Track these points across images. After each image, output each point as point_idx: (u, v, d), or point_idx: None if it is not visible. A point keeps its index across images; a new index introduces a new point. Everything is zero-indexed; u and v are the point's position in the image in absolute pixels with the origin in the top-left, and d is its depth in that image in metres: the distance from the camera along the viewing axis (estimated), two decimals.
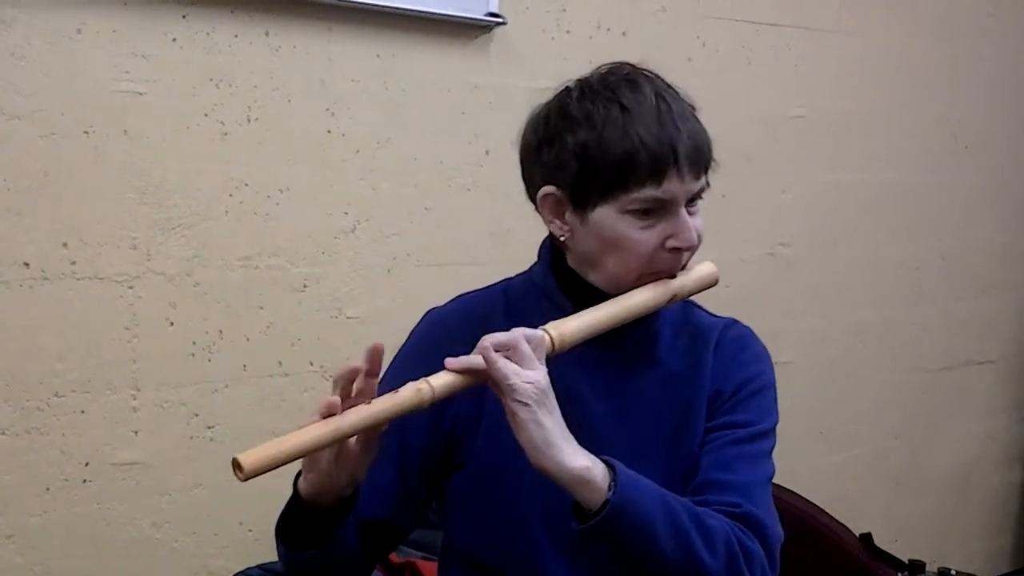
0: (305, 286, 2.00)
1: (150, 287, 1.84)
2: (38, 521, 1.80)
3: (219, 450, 1.94)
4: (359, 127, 2.02)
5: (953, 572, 2.43)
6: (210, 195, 1.88)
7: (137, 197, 1.81)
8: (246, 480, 1.00)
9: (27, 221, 1.73)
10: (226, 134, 1.89)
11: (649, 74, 1.23)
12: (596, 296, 1.24)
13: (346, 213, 2.03)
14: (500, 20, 2.11)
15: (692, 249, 1.23)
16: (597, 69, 1.25)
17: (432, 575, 1.84)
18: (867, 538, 2.43)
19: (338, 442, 1.07)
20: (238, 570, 1.95)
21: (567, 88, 1.24)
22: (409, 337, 1.34)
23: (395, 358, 1.31)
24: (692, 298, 1.32)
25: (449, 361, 1.11)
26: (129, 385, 1.85)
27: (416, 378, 1.09)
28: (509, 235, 2.21)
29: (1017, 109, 3.19)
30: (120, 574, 1.88)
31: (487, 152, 2.17)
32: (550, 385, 1.11)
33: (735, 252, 2.53)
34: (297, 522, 1.18)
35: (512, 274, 1.38)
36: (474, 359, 1.10)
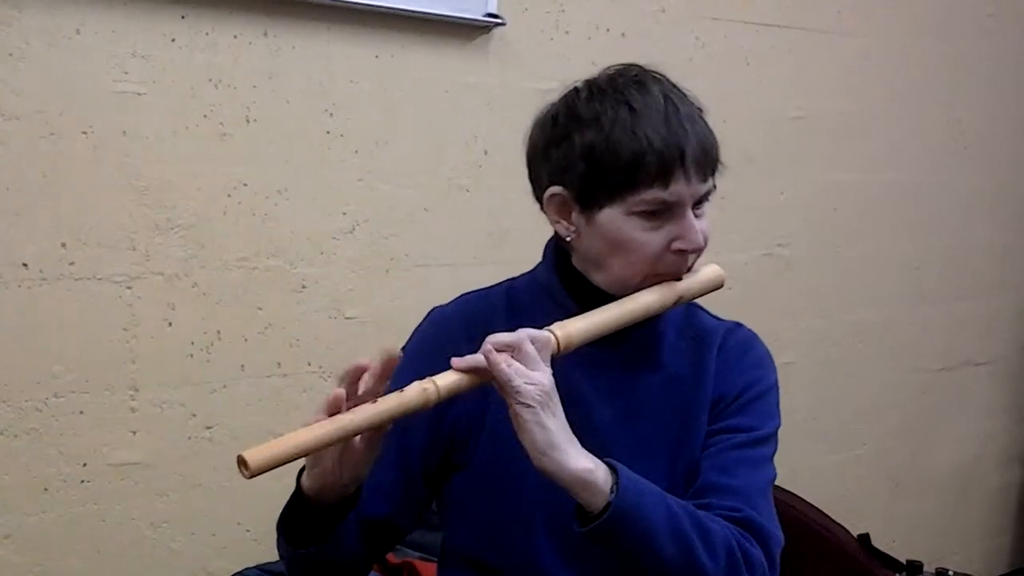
0: (304, 286, 2.00)
1: (149, 287, 1.84)
2: (36, 521, 1.80)
3: (217, 450, 1.94)
4: (358, 127, 2.02)
5: (951, 573, 2.43)
6: (209, 196, 1.88)
7: (136, 197, 1.81)
8: (252, 477, 1.01)
9: (26, 221, 1.73)
10: (225, 135, 1.88)
11: (657, 75, 1.23)
12: (600, 297, 1.24)
13: (345, 213, 2.03)
14: (499, 21, 2.11)
15: (698, 252, 1.24)
16: (605, 70, 1.25)
17: (430, 575, 1.85)
18: (865, 538, 2.43)
19: (343, 440, 1.07)
20: (236, 570, 1.95)
21: (575, 88, 1.24)
22: (412, 336, 1.34)
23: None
24: (695, 300, 1.32)
25: (455, 361, 1.11)
26: (127, 385, 1.85)
27: (419, 377, 1.09)
28: (508, 235, 2.21)
29: (1017, 109, 3.19)
30: (118, 574, 1.88)
31: (486, 152, 2.17)
32: (555, 387, 1.11)
33: (734, 252, 2.53)
34: (299, 518, 1.18)
35: (511, 274, 1.38)
36: (479, 359, 1.10)
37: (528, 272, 1.36)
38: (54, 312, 1.76)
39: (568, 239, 1.25)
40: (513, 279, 1.37)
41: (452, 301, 1.36)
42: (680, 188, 1.18)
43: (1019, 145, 3.22)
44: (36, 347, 1.76)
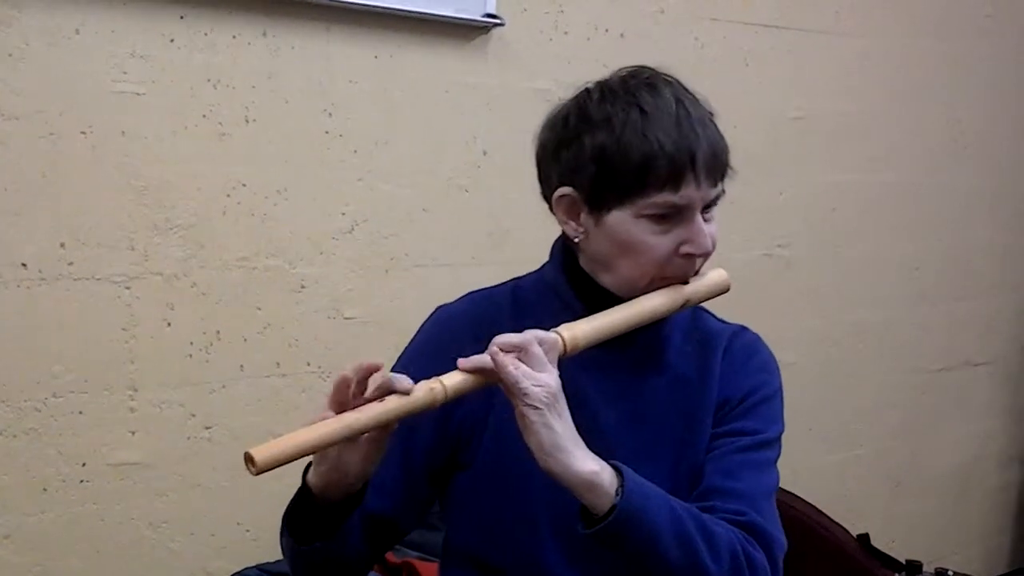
0: (303, 286, 2.00)
1: (148, 288, 1.84)
2: (35, 521, 1.80)
3: (217, 450, 1.94)
4: (357, 128, 2.02)
5: (950, 572, 2.43)
6: (208, 196, 1.88)
7: (135, 197, 1.81)
8: (258, 474, 1.00)
9: (25, 221, 1.73)
10: (224, 135, 1.89)
11: (669, 78, 1.23)
12: (607, 298, 1.24)
13: (344, 214, 2.03)
14: (498, 21, 2.11)
15: (706, 256, 1.24)
16: (617, 72, 1.25)
17: (429, 575, 1.85)
18: (864, 538, 2.43)
19: (350, 439, 1.07)
20: (235, 570, 1.95)
21: (587, 90, 1.24)
22: (417, 333, 1.34)
23: (403, 354, 1.31)
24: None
25: (461, 361, 1.11)
26: (127, 385, 1.85)
27: (424, 376, 1.09)
28: (507, 235, 2.21)
29: (1016, 109, 3.19)
30: (118, 574, 1.87)
31: (485, 153, 2.17)
32: (561, 388, 1.10)
33: (734, 253, 2.53)
34: (304, 514, 1.18)
35: (510, 275, 1.38)
36: (486, 360, 1.10)
37: (534, 272, 1.36)
38: (53, 312, 1.77)
39: (576, 240, 1.25)
40: (519, 278, 1.37)
41: (458, 300, 1.36)
42: (690, 192, 1.18)
43: (1018, 145, 3.22)
44: (35, 347, 1.76)
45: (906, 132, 2.93)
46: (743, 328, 1.37)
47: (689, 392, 1.29)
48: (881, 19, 2.81)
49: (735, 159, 1.26)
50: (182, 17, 1.82)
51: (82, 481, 1.83)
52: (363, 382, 1.08)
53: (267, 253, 1.95)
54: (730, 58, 2.52)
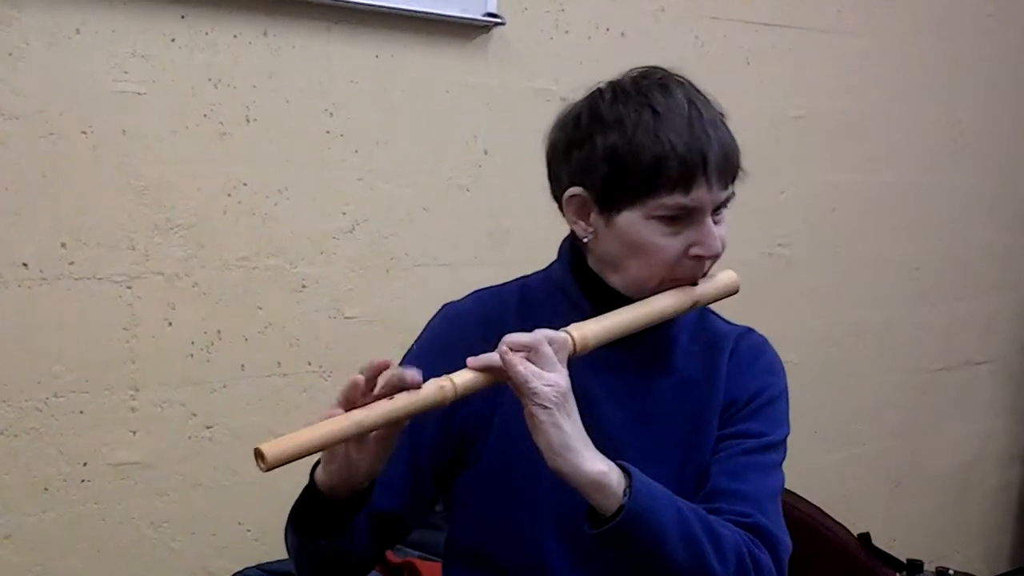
0: (304, 286, 2.00)
1: (149, 287, 1.84)
2: (36, 521, 1.80)
3: (218, 450, 1.94)
4: (358, 127, 2.02)
5: (951, 571, 2.43)
6: (209, 195, 1.88)
7: (136, 197, 1.81)
8: (268, 470, 1.00)
9: (25, 221, 1.73)
10: (225, 134, 1.89)
11: (681, 79, 1.23)
12: (615, 298, 1.24)
13: (344, 213, 2.03)
14: (499, 20, 2.11)
15: (715, 257, 1.24)
16: (628, 72, 1.25)
17: (430, 575, 1.85)
18: (865, 538, 2.43)
19: (360, 436, 1.07)
20: (237, 570, 1.95)
21: (598, 90, 1.24)
22: (424, 331, 1.34)
23: (409, 351, 1.31)
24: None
25: (471, 360, 1.11)
26: (127, 385, 1.85)
27: (430, 373, 1.09)
28: (508, 235, 2.21)
29: (1017, 109, 3.19)
30: (118, 574, 1.88)
31: (485, 152, 2.17)
32: (571, 388, 1.10)
33: (735, 252, 2.52)
34: (310, 512, 1.18)
35: (511, 274, 1.38)
36: (495, 359, 1.10)
37: (542, 271, 1.36)
38: (54, 312, 1.77)
39: (585, 240, 1.25)
40: (526, 277, 1.36)
41: (465, 297, 1.36)
42: (701, 194, 1.18)
43: (1019, 145, 3.22)
44: (36, 347, 1.76)
45: (907, 132, 2.93)
46: (749, 330, 1.38)
47: (696, 393, 1.29)
48: (882, 18, 2.81)
49: None
50: (183, 17, 1.82)
51: (83, 481, 1.83)
52: (372, 380, 1.08)
53: (268, 253, 1.95)
54: (731, 57, 2.52)
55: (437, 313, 1.35)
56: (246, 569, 1.95)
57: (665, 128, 1.17)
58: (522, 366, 1.08)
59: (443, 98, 2.12)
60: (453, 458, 1.28)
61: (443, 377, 1.09)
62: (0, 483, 1.76)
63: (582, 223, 1.25)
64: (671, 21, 2.40)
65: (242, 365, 1.96)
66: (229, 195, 1.90)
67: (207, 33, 1.85)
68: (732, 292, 1.29)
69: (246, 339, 1.95)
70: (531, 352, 1.10)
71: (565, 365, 1.12)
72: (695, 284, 1.25)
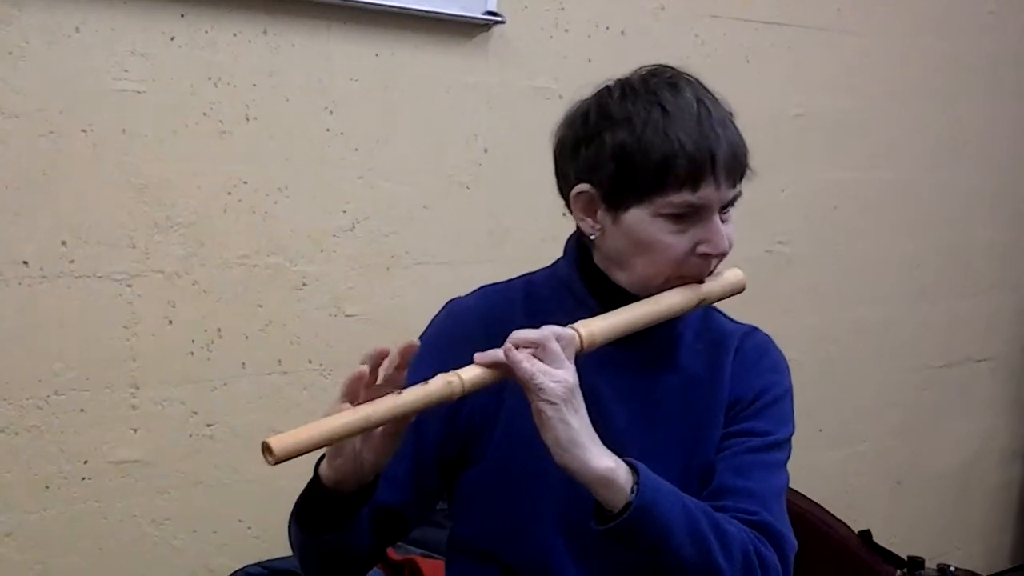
0: (304, 284, 2.00)
1: (149, 285, 1.85)
2: (37, 519, 1.80)
3: (218, 448, 1.94)
4: (358, 126, 2.02)
5: (952, 568, 2.43)
6: (209, 193, 1.89)
7: (136, 195, 1.82)
8: (276, 464, 1.00)
9: (26, 220, 1.73)
10: (225, 133, 1.89)
11: (690, 78, 1.23)
12: (621, 295, 1.24)
13: (345, 211, 2.03)
14: (499, 19, 2.11)
15: (722, 256, 1.24)
16: (638, 70, 1.25)
17: (431, 573, 1.85)
18: (866, 535, 2.43)
19: (367, 431, 1.08)
20: (237, 568, 1.95)
21: (607, 87, 1.24)
22: (429, 327, 1.34)
23: None
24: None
25: (478, 356, 1.11)
26: (128, 383, 1.85)
27: (436, 369, 1.09)
28: (508, 233, 2.21)
29: (1017, 108, 3.19)
30: (119, 572, 1.88)
31: (486, 151, 2.17)
32: (578, 384, 1.11)
33: (735, 250, 2.52)
34: (315, 506, 1.18)
35: (511, 273, 1.38)
36: (501, 355, 1.10)
37: (547, 268, 1.36)
38: (54, 310, 1.77)
39: (592, 237, 1.25)
40: (531, 274, 1.36)
41: (470, 294, 1.36)
42: (709, 192, 1.18)
43: (1019, 143, 3.22)
44: (37, 345, 1.77)
45: (907, 130, 2.93)
46: (754, 328, 1.38)
47: (700, 391, 1.29)
48: (882, 16, 2.80)
49: None
50: (182, 15, 1.83)
51: (84, 479, 1.83)
52: (375, 370, 1.08)
53: (268, 251, 1.96)
54: (730, 55, 2.52)
55: (442, 309, 1.35)
56: (247, 566, 1.95)
57: (674, 126, 1.17)
58: (527, 362, 1.08)
59: (443, 96, 2.12)
60: (458, 454, 1.28)
61: (451, 372, 1.09)
62: (1, 481, 1.76)
63: (589, 220, 1.25)
64: (671, 19, 2.40)
65: (242, 363, 1.96)
66: (229, 193, 1.91)
67: (207, 31, 1.85)
68: (738, 291, 1.30)
69: (246, 337, 1.96)
70: (538, 348, 1.10)
71: (572, 361, 1.12)
72: (701, 282, 1.25)
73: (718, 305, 1.35)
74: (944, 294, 3.12)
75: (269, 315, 1.97)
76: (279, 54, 1.92)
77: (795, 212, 2.73)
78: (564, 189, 1.27)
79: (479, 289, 1.36)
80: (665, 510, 1.10)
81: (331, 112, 1.99)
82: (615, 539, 1.10)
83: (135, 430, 1.86)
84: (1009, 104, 3.16)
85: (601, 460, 1.09)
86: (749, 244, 2.62)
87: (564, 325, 1.15)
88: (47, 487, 1.80)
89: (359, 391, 1.07)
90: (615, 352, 1.21)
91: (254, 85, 1.90)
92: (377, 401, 1.06)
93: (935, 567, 2.44)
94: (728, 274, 1.29)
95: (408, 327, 1.36)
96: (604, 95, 1.23)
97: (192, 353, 1.90)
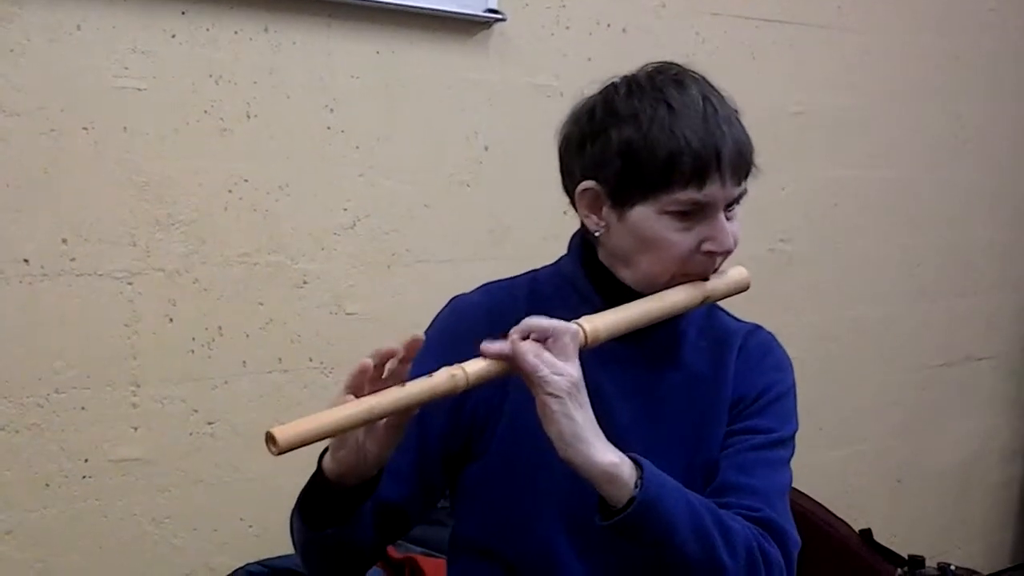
0: (305, 282, 2.00)
1: (150, 283, 1.84)
2: (38, 517, 1.80)
3: (219, 446, 1.94)
4: (359, 123, 2.02)
5: (953, 567, 2.43)
6: (210, 191, 1.89)
7: (137, 193, 1.81)
8: (280, 454, 1.00)
9: (27, 218, 1.73)
10: (225, 130, 1.89)
11: (696, 75, 1.23)
12: (625, 293, 1.24)
13: (345, 209, 2.03)
14: (499, 16, 2.11)
15: (727, 254, 1.24)
16: (643, 67, 1.25)
17: (432, 571, 1.85)
18: (867, 534, 2.43)
19: (371, 422, 1.07)
20: (238, 566, 1.95)
21: (613, 84, 1.24)
22: (432, 323, 1.33)
23: None
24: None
25: (485, 347, 1.10)
26: (129, 381, 1.85)
27: (440, 365, 1.09)
28: (508, 231, 2.21)
29: (1018, 106, 3.19)
30: (120, 570, 1.88)
31: (486, 148, 2.17)
32: (583, 379, 1.11)
33: (736, 247, 2.52)
34: (318, 500, 1.18)
35: (512, 271, 1.38)
36: (508, 347, 1.10)
37: (551, 264, 1.36)
38: (55, 308, 1.77)
39: (597, 234, 1.25)
40: (536, 271, 1.37)
41: (474, 290, 1.36)
42: (714, 190, 1.18)
43: (1019, 142, 3.22)
44: (37, 343, 1.76)
45: (907, 128, 2.93)
46: (758, 327, 1.38)
47: (704, 388, 1.29)
48: (883, 14, 2.80)
49: None
50: (183, 13, 1.82)
51: (84, 477, 1.83)
52: (381, 367, 1.08)
53: (269, 249, 1.96)
54: (731, 52, 2.52)
55: (446, 305, 1.35)
56: (248, 565, 1.95)
57: (680, 123, 1.17)
58: (532, 355, 1.08)
59: (444, 94, 2.12)
60: (462, 447, 1.28)
61: (455, 366, 1.09)
62: (1, 479, 1.76)
63: (594, 217, 1.25)
64: (672, 17, 2.40)
65: (243, 361, 1.96)
66: (230, 191, 1.91)
67: (208, 29, 1.85)
68: (743, 289, 1.30)
69: (247, 335, 1.95)
70: (549, 338, 1.10)
71: (577, 356, 1.12)
72: (706, 280, 1.25)
73: (721, 303, 1.35)
74: (944, 292, 3.12)
75: (270, 313, 1.97)
76: (280, 52, 1.92)
77: (795, 210, 2.73)
78: (569, 186, 1.27)
79: (483, 286, 1.36)
80: (669, 506, 1.10)
81: (332, 110, 1.99)
82: (619, 534, 1.10)
83: (136, 428, 1.86)
84: (1010, 103, 3.16)
85: (605, 455, 1.09)
86: (750, 242, 2.61)
87: (569, 321, 1.15)
88: (47, 485, 1.80)
89: (363, 384, 1.07)
90: (619, 348, 1.21)
91: (255, 83, 1.90)
92: (381, 392, 1.06)
93: (935, 566, 2.44)
94: (732, 272, 1.29)
95: (409, 325, 1.35)
96: (610, 92, 1.23)
97: (193, 351, 1.90)
